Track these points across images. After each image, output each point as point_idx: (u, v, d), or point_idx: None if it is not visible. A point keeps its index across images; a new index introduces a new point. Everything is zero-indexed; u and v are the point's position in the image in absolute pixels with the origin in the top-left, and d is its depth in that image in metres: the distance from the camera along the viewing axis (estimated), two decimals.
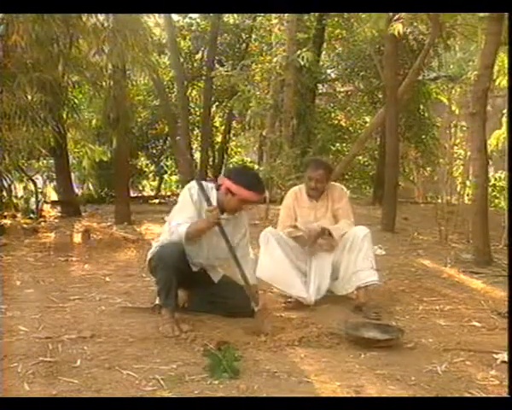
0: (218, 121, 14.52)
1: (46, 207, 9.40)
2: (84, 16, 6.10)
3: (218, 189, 3.19)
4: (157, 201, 12.79)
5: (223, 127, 14.35)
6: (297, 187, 4.08)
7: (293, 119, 8.87)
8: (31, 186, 8.89)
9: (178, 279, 3.10)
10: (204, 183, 3.27)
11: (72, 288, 4.11)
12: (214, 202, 3.16)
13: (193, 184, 3.21)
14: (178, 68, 11.36)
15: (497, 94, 9.23)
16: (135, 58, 6.37)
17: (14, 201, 7.95)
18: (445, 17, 6.74)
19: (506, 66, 6.36)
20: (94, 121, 9.80)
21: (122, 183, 8.60)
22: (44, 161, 9.72)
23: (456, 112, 8.06)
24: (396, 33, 5.65)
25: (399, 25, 5.56)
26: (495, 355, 2.76)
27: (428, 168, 11.55)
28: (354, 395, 2.27)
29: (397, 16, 5.70)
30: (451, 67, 12.80)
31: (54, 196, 10.14)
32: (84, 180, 12.14)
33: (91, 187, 11.80)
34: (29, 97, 5.98)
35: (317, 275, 3.78)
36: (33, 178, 9.00)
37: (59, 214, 8.93)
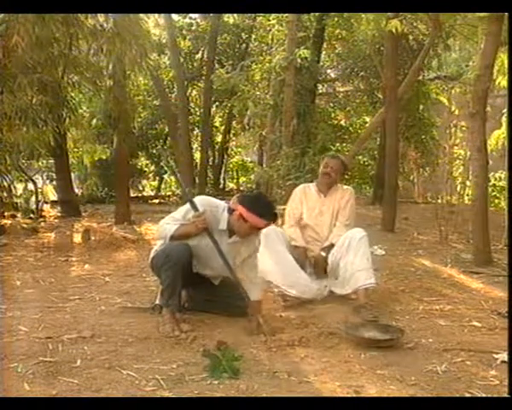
0: (218, 121, 14.53)
1: (46, 207, 9.40)
2: (83, 16, 6.09)
3: (230, 212, 3.15)
4: (157, 201, 12.81)
5: (223, 127, 14.36)
6: (306, 184, 4.23)
7: (293, 119, 8.86)
8: (31, 186, 8.90)
9: (183, 281, 3.10)
10: (216, 201, 3.27)
11: (72, 288, 4.11)
12: (224, 225, 3.16)
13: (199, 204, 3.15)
14: (178, 68, 11.37)
15: (497, 94, 9.23)
16: (134, 59, 6.36)
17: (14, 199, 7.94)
18: (444, 17, 6.74)
19: (506, 66, 6.36)
20: (94, 121, 9.81)
21: (122, 183, 8.61)
22: (44, 161, 9.73)
23: (456, 112, 8.07)
24: (394, 30, 5.65)
25: (397, 22, 5.57)
26: (495, 355, 2.76)
27: (428, 168, 11.55)
28: (354, 395, 2.27)
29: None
30: (451, 66, 12.79)
31: (54, 196, 10.15)
32: (84, 180, 12.16)
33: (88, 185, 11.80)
34: (29, 98, 5.97)
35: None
36: (33, 178, 9.01)
37: (59, 214, 8.94)
